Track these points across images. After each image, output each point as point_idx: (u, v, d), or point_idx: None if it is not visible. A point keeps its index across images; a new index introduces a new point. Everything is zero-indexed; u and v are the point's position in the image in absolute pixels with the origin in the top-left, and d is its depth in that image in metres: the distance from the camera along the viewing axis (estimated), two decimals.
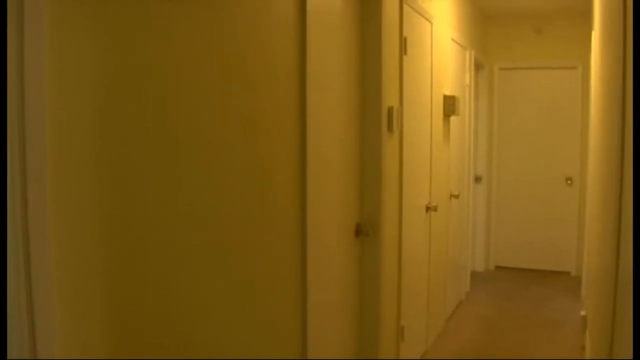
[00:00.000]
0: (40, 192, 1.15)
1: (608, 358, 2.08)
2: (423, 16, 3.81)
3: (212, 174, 1.71)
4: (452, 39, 4.74)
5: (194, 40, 1.61)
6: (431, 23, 4.01)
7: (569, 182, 6.37)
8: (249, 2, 1.87)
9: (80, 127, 1.26)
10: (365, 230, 3.06)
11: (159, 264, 1.51)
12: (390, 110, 3.12)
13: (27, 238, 1.12)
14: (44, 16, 1.15)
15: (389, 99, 3.15)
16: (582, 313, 4.24)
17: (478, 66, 6.24)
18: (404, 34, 3.38)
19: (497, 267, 6.69)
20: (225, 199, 1.78)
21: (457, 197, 5.02)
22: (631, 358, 1.28)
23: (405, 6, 3.36)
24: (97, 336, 1.32)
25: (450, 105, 4.49)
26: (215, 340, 1.76)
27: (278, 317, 2.13)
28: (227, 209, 1.79)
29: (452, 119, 4.81)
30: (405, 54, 3.43)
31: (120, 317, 1.40)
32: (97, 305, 1.32)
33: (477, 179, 6.53)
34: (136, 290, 1.45)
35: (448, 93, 4.58)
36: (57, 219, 1.20)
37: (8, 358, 1.11)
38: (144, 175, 1.45)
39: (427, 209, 4.08)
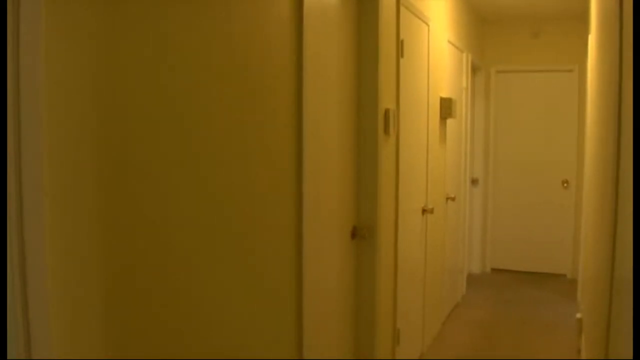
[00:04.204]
0: (37, 191, 1.14)
1: None
2: (420, 18, 3.81)
3: (208, 176, 1.71)
4: (449, 42, 4.74)
5: (191, 40, 1.61)
6: (428, 25, 4.01)
7: (565, 184, 6.38)
8: (246, 4, 1.86)
9: (78, 125, 1.25)
10: (361, 233, 3.06)
11: (157, 264, 1.51)
12: (386, 113, 3.12)
13: (22, 237, 1.12)
14: (41, 13, 1.14)
15: (386, 101, 3.15)
16: (578, 316, 4.25)
17: (475, 69, 6.25)
18: (401, 36, 3.39)
19: (493, 270, 6.69)
20: (221, 201, 1.77)
21: (453, 199, 5.02)
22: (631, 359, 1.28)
23: (402, 8, 3.37)
24: (95, 336, 1.32)
25: (446, 107, 4.49)
26: (212, 342, 1.75)
27: (273, 319, 2.13)
28: (224, 210, 1.79)
29: (449, 121, 4.81)
30: (402, 56, 3.43)
31: (119, 317, 1.39)
32: (95, 305, 1.31)
33: (474, 182, 6.54)
34: (134, 289, 1.44)
35: (445, 95, 4.59)
36: (55, 218, 1.19)
37: (7, 358, 1.11)
38: (142, 174, 1.45)
39: (424, 211, 4.08)
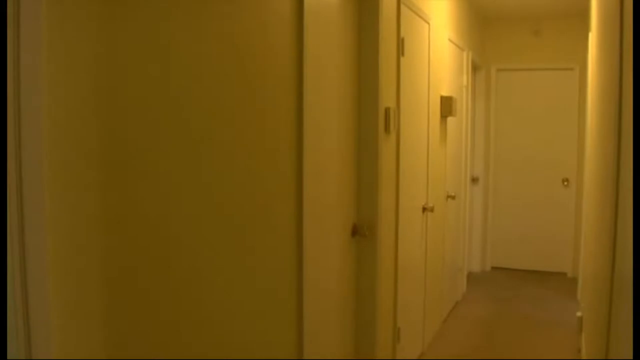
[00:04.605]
0: (37, 190, 1.14)
1: (604, 359, 2.08)
2: (420, 17, 3.81)
3: (208, 173, 1.71)
4: (450, 40, 4.74)
5: (192, 40, 1.61)
6: (428, 24, 4.01)
7: (565, 183, 6.38)
8: (247, 3, 1.86)
9: (79, 124, 1.26)
10: (361, 231, 3.06)
11: (157, 264, 1.51)
12: (387, 111, 3.12)
13: (22, 237, 1.12)
14: (41, 12, 1.14)
15: (386, 99, 3.15)
16: (578, 314, 4.25)
17: (475, 67, 6.25)
18: (402, 34, 3.38)
19: (494, 268, 6.70)
20: (221, 200, 1.77)
21: (453, 198, 5.02)
22: (631, 359, 1.28)
23: (402, 7, 3.36)
24: (95, 336, 1.32)
25: (447, 106, 4.49)
26: (212, 342, 1.76)
27: (274, 318, 2.13)
28: (224, 209, 1.79)
29: (449, 119, 4.81)
30: (403, 54, 3.42)
31: (119, 317, 1.39)
32: (95, 305, 1.32)
33: (474, 180, 6.53)
34: (134, 289, 1.44)
35: (445, 94, 4.59)
36: (55, 218, 1.19)
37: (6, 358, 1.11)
38: (143, 173, 1.45)
39: (424, 209, 4.08)
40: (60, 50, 1.21)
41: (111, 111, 1.36)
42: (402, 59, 3.41)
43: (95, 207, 1.32)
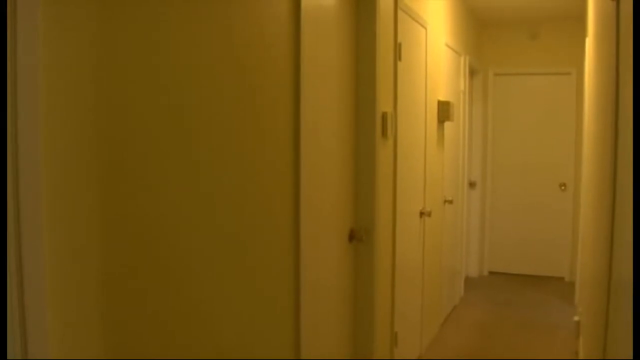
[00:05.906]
0: (34, 190, 1.14)
1: None
2: (417, 22, 3.82)
3: (207, 177, 1.71)
4: (447, 45, 4.75)
5: (191, 41, 1.61)
6: (426, 29, 4.02)
7: (562, 187, 6.39)
8: (246, 8, 1.87)
9: (77, 126, 1.25)
10: (359, 236, 3.06)
11: (155, 266, 1.51)
12: (384, 116, 3.12)
13: (19, 238, 1.12)
14: (38, 13, 1.14)
15: (383, 104, 3.15)
16: (576, 318, 4.25)
17: (472, 72, 6.26)
18: (399, 39, 3.39)
19: (491, 273, 6.69)
20: (219, 204, 1.77)
21: (451, 202, 5.02)
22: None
23: (399, 12, 3.37)
24: (94, 337, 1.31)
25: (444, 110, 4.50)
26: (209, 345, 1.75)
27: (271, 322, 2.12)
28: (222, 213, 1.79)
29: (447, 124, 4.81)
30: (400, 59, 3.43)
31: (117, 318, 1.39)
32: (93, 306, 1.31)
33: (471, 185, 6.54)
34: (133, 290, 1.44)
35: (442, 99, 4.59)
36: (52, 219, 1.19)
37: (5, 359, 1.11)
38: (141, 174, 1.45)
39: (421, 214, 4.09)
40: (58, 51, 1.21)
41: (109, 113, 1.36)
42: (399, 63, 3.42)
43: (93, 207, 1.31)
